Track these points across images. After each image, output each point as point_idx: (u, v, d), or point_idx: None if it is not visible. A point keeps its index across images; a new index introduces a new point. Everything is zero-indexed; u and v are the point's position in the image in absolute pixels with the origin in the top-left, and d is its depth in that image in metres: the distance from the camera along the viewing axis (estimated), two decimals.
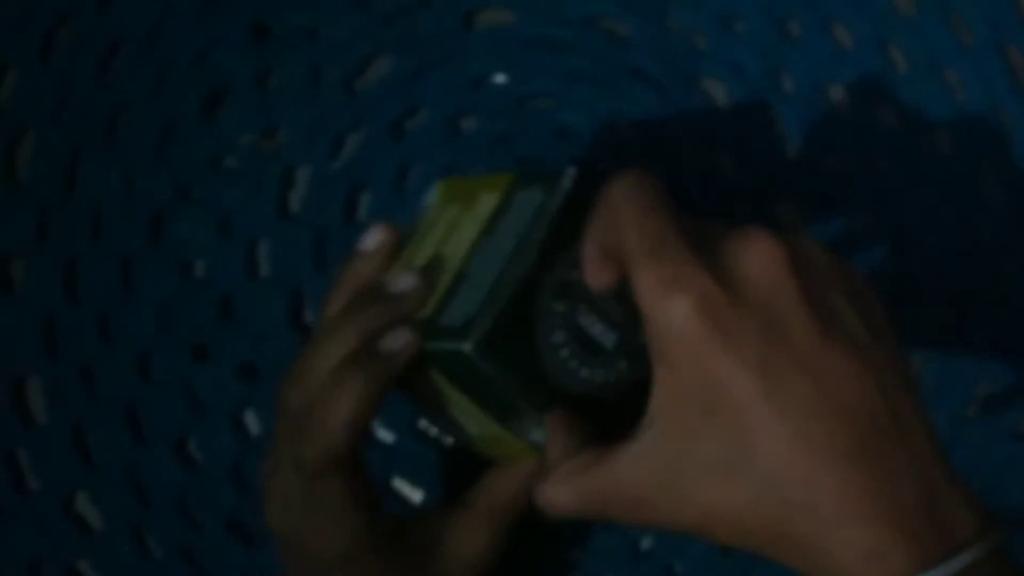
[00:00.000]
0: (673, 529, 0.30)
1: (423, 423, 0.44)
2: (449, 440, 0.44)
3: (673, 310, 0.28)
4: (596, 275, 0.31)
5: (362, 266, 0.37)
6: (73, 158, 0.46)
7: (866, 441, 0.28)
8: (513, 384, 0.33)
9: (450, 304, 0.34)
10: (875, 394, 0.28)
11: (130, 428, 0.45)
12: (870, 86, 0.46)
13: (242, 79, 0.46)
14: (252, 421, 0.45)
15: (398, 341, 0.33)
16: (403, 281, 0.35)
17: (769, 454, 0.28)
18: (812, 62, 0.46)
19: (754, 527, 0.29)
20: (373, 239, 0.37)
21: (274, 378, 0.44)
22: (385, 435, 0.45)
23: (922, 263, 0.46)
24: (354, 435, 0.33)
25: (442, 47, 0.46)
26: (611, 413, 0.33)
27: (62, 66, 0.46)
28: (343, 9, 0.46)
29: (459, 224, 0.37)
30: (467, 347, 0.32)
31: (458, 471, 0.45)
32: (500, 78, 0.46)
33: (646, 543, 0.45)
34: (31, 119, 0.46)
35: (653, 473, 0.29)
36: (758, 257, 0.29)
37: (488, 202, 0.36)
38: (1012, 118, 0.46)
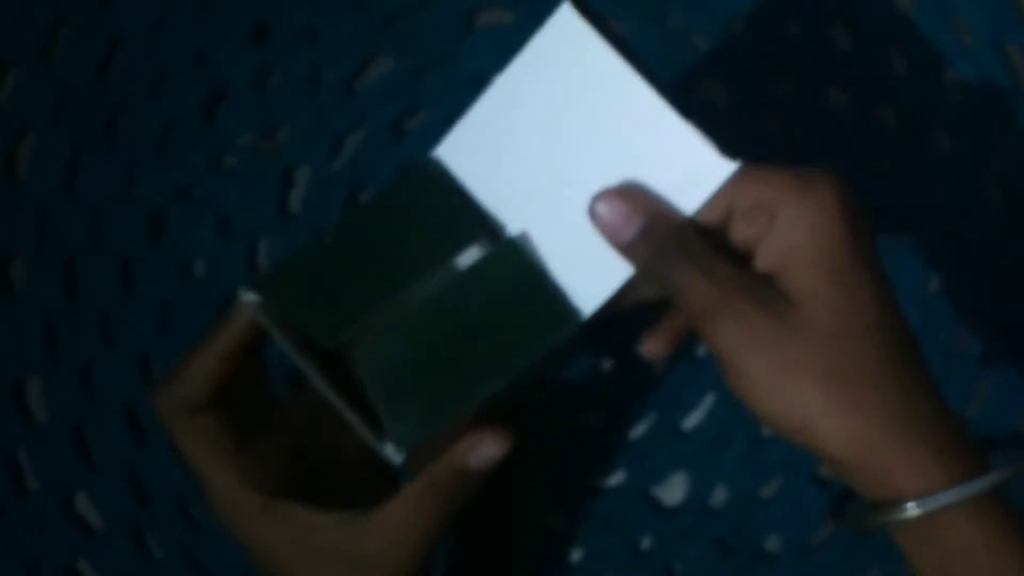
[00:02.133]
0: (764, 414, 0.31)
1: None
2: None
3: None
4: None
5: None
6: (73, 158, 0.46)
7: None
8: None
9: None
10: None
11: (130, 428, 0.45)
12: (869, 86, 0.46)
13: (242, 79, 0.46)
14: None
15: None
16: None
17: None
18: (811, 63, 0.46)
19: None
20: None
21: (273, 378, 0.44)
22: None
23: (922, 263, 0.46)
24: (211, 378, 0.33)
25: (442, 47, 0.46)
26: None
27: (62, 66, 0.46)
28: (343, 9, 0.46)
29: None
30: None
31: None
32: None
33: (646, 543, 0.45)
34: (31, 119, 0.46)
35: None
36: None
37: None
38: (1012, 118, 0.46)
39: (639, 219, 0.31)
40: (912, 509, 0.29)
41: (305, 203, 0.46)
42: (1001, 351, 0.46)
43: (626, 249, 0.32)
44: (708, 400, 0.46)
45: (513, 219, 0.34)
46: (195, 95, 0.46)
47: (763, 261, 0.31)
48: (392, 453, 0.32)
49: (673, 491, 0.46)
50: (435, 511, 0.34)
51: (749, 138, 0.46)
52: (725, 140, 0.46)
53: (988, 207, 0.46)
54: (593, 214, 0.32)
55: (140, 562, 0.45)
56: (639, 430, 0.46)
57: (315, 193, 0.46)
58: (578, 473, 0.46)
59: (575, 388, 0.46)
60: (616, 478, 0.46)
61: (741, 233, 0.32)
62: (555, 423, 0.46)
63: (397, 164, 0.46)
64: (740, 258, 0.32)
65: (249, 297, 0.33)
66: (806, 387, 0.30)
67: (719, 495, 0.45)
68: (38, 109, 0.46)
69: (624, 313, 0.36)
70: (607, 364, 0.46)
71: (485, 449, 0.34)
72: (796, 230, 0.30)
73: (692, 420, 0.46)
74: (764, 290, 0.31)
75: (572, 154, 0.33)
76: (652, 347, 0.38)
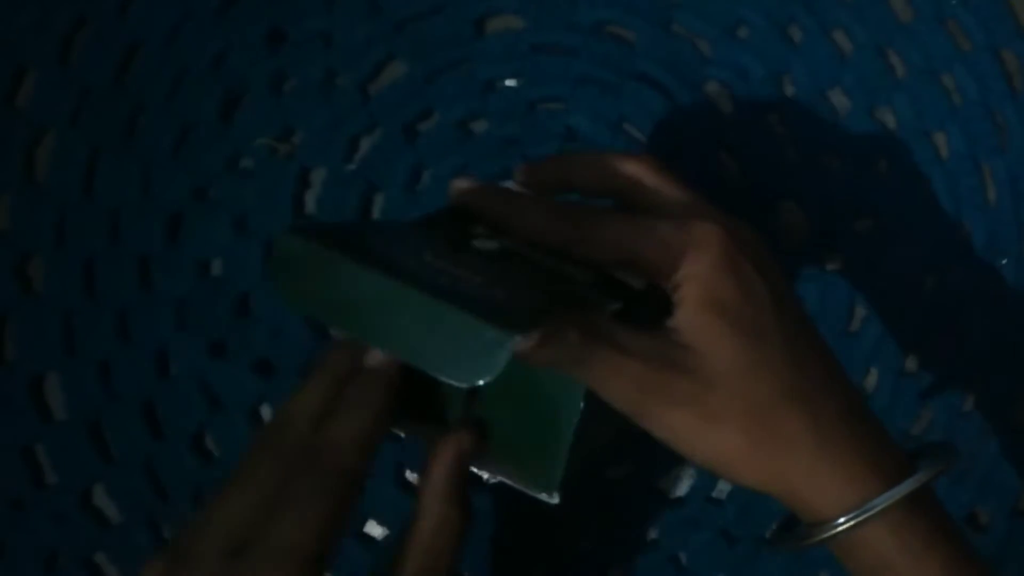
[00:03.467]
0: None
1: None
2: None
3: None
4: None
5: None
6: (92, 159, 0.46)
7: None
8: None
9: None
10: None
11: (147, 423, 0.46)
12: (870, 90, 0.47)
13: (258, 82, 0.47)
14: (268, 415, 0.46)
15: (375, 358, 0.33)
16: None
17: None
18: (813, 67, 0.47)
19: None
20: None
21: (290, 374, 0.45)
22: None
23: (921, 263, 0.47)
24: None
25: (454, 52, 0.47)
26: None
27: (81, 69, 0.46)
28: (358, 15, 0.47)
29: None
30: None
31: None
32: (510, 82, 0.47)
33: (652, 533, 0.46)
34: (50, 121, 0.46)
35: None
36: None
37: None
38: (1008, 121, 0.47)
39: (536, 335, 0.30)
40: (828, 529, 0.31)
41: (320, 203, 0.47)
42: (999, 350, 0.47)
43: (528, 354, 0.30)
44: None
45: None
46: (212, 98, 0.46)
47: (671, 322, 0.32)
48: (548, 497, 0.34)
49: (679, 483, 0.47)
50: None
51: (752, 140, 0.47)
52: (729, 142, 0.47)
53: (987, 208, 0.47)
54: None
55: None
56: None
57: (330, 194, 0.47)
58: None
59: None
60: (623, 469, 0.46)
61: (643, 275, 0.33)
62: None
63: (410, 165, 0.47)
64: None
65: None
66: (726, 433, 0.31)
67: (723, 486, 0.46)
68: (57, 111, 0.46)
69: None
70: None
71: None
72: (689, 288, 0.32)
73: None
74: (669, 346, 0.32)
75: None
76: None
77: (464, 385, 0.29)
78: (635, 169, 0.35)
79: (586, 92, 0.47)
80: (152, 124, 0.46)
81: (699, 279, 0.31)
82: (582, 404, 0.33)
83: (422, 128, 0.47)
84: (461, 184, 0.35)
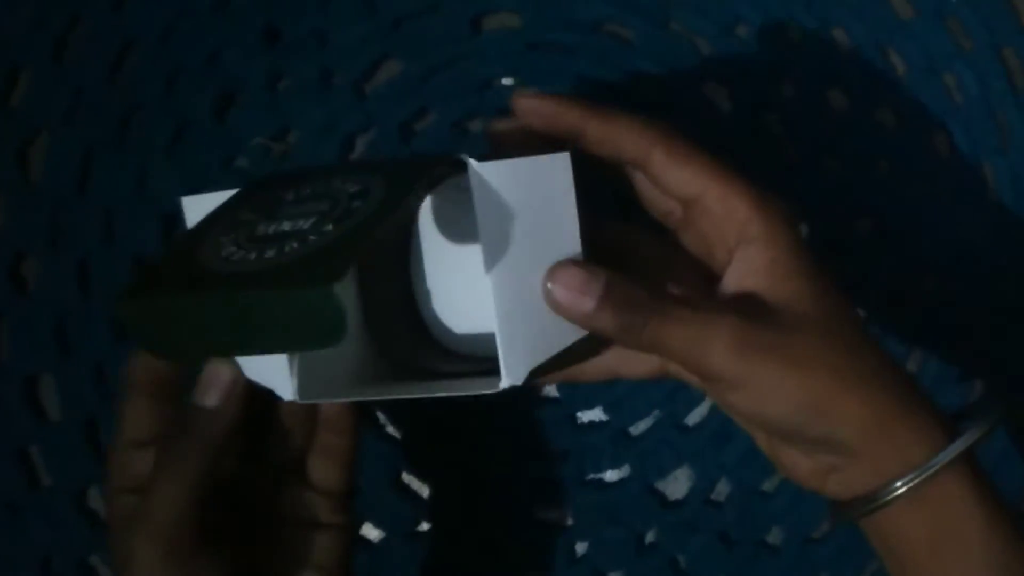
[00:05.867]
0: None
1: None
2: None
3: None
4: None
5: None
6: (86, 158, 0.46)
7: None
8: None
9: None
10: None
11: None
12: (870, 89, 0.47)
13: (254, 81, 0.46)
14: None
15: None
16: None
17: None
18: (813, 66, 0.47)
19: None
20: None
21: None
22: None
23: (921, 262, 0.47)
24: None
25: (450, 50, 0.47)
26: None
27: (75, 67, 0.46)
28: (353, 13, 0.47)
29: None
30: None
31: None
32: (507, 81, 0.47)
33: (651, 536, 0.46)
34: (44, 120, 0.46)
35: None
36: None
37: None
38: (1009, 119, 0.47)
39: (597, 284, 0.31)
40: (928, 469, 0.31)
41: None
42: (1000, 350, 0.47)
43: (590, 317, 0.31)
44: None
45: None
46: (207, 97, 0.46)
47: (739, 278, 0.33)
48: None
49: (677, 485, 0.46)
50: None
51: (750, 138, 0.47)
52: (728, 141, 0.47)
53: (987, 208, 0.47)
54: (548, 295, 0.31)
55: None
56: (643, 425, 0.46)
57: None
58: (584, 467, 0.46)
59: (580, 383, 0.47)
60: (621, 472, 0.46)
61: (702, 228, 0.33)
62: (561, 419, 0.47)
63: None
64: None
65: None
66: (821, 376, 0.31)
67: (722, 489, 0.46)
68: (51, 110, 0.46)
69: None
70: None
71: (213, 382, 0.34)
72: (771, 248, 0.32)
73: (695, 415, 0.47)
74: (746, 302, 0.32)
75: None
76: None
77: (329, 347, 0.27)
78: (662, 138, 0.33)
79: (583, 90, 0.47)
80: (147, 123, 0.46)
81: (773, 240, 0.32)
82: None
83: (418, 127, 0.47)
84: (526, 98, 0.33)
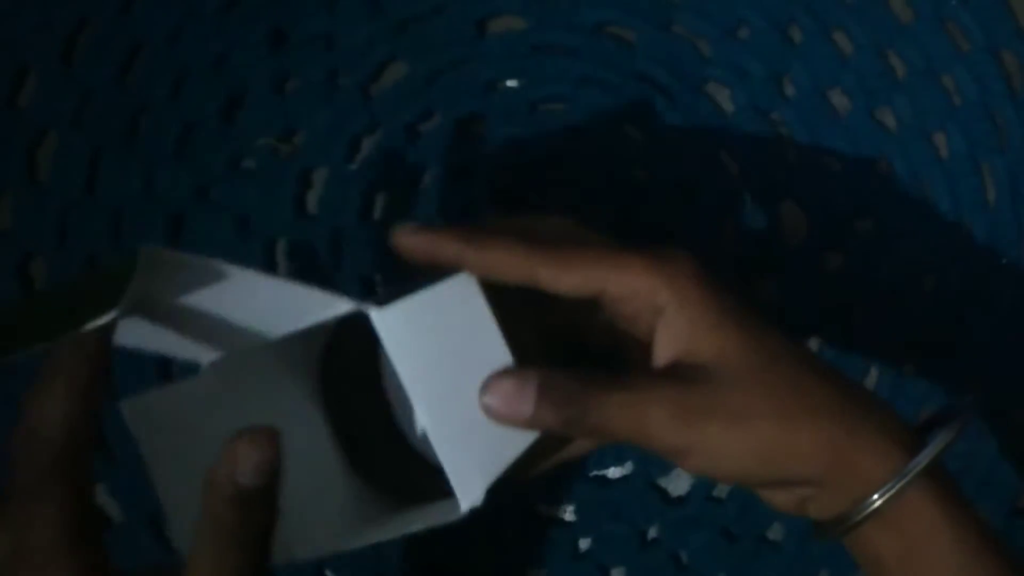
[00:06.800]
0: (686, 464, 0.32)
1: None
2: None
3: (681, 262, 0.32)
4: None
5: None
6: (94, 159, 0.46)
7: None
8: None
9: None
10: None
11: None
12: (870, 90, 0.47)
13: (261, 83, 0.47)
14: None
15: None
16: None
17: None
18: (813, 67, 0.47)
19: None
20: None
21: None
22: None
23: (921, 263, 0.47)
24: None
25: (455, 52, 0.47)
26: None
27: (83, 69, 0.46)
28: (359, 15, 0.47)
29: None
30: None
31: None
32: (512, 83, 0.47)
33: (653, 532, 0.46)
34: (52, 121, 0.46)
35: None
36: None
37: None
38: (1007, 121, 0.47)
39: (531, 387, 0.31)
40: (889, 489, 0.31)
41: (322, 203, 0.47)
42: (999, 350, 0.47)
43: (532, 420, 0.31)
44: None
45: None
46: (215, 98, 0.47)
47: (665, 347, 0.32)
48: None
49: (679, 481, 0.47)
50: (233, 553, 0.28)
51: (751, 139, 0.47)
52: (729, 142, 0.47)
53: (986, 209, 0.47)
54: (487, 410, 0.31)
55: (160, 554, 0.45)
56: None
57: (332, 194, 0.47)
58: (587, 464, 0.47)
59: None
60: (624, 469, 0.47)
61: (620, 311, 0.33)
62: None
63: (412, 166, 0.47)
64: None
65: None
66: (765, 427, 0.31)
67: (723, 486, 0.47)
68: (59, 111, 0.46)
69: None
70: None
71: (246, 457, 0.27)
72: (685, 310, 0.31)
73: None
74: (678, 369, 0.32)
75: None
76: None
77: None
78: (550, 226, 0.34)
79: (587, 92, 0.47)
80: (154, 124, 0.47)
81: (684, 301, 0.31)
82: None
83: (424, 128, 0.47)
84: (406, 232, 0.32)
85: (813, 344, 0.47)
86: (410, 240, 0.32)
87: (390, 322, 0.28)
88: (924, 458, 0.31)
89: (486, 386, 0.31)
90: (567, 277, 0.32)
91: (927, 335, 0.47)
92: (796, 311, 0.47)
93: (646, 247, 0.32)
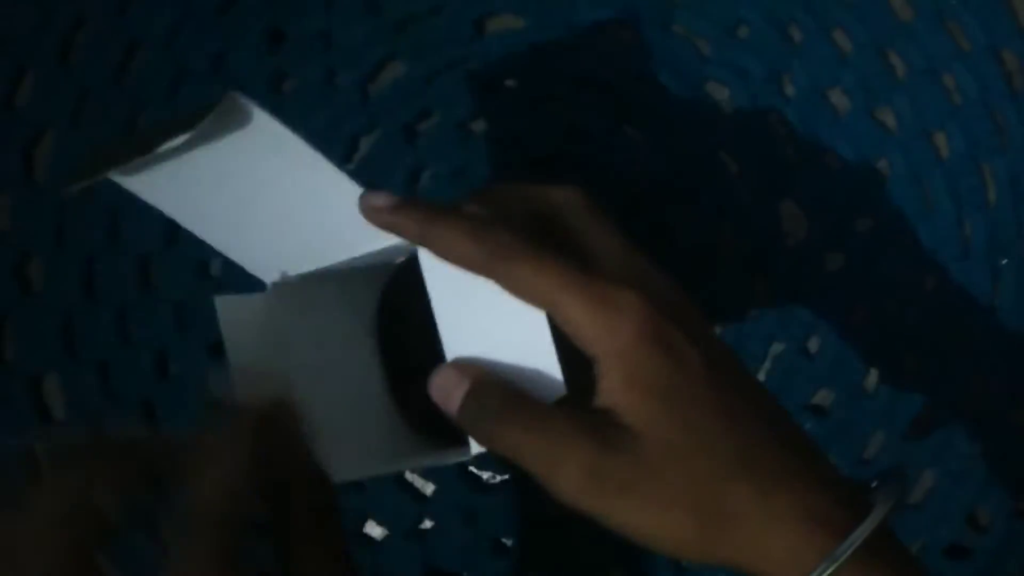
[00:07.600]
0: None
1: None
2: None
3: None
4: None
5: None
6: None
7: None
8: None
9: None
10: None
11: (146, 423, 0.46)
12: (870, 90, 0.47)
13: (258, 82, 0.47)
14: None
15: None
16: None
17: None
18: (813, 67, 0.47)
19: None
20: None
21: None
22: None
23: (921, 263, 0.47)
24: None
25: (453, 52, 0.47)
26: None
27: (80, 68, 0.46)
28: (357, 15, 0.47)
29: None
30: None
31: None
32: (510, 82, 0.47)
33: None
34: (49, 120, 0.46)
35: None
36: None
37: None
38: (1008, 120, 0.47)
39: (462, 389, 0.30)
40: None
41: None
42: (999, 350, 0.47)
43: (456, 419, 0.31)
44: None
45: None
46: (212, 98, 0.46)
47: (602, 393, 0.30)
48: None
49: None
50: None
51: (752, 140, 0.47)
52: (729, 141, 0.47)
53: (986, 208, 0.47)
54: (430, 385, 0.31)
55: (157, 555, 0.45)
56: None
57: None
58: None
59: None
60: None
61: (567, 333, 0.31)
62: None
63: (410, 165, 0.47)
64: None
65: None
66: (677, 516, 0.29)
67: None
68: (57, 111, 0.46)
69: None
70: None
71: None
72: (625, 364, 0.29)
73: None
74: (606, 423, 0.30)
75: None
76: None
77: None
78: (561, 200, 0.32)
79: (586, 91, 0.47)
80: (152, 123, 0.46)
81: (623, 356, 0.29)
82: None
83: (422, 128, 0.47)
84: (376, 200, 0.31)
85: (813, 344, 0.47)
86: (372, 214, 0.31)
87: (435, 259, 0.31)
88: (858, 537, 0.29)
89: (437, 369, 0.31)
90: (517, 291, 0.30)
91: (927, 335, 0.47)
92: (796, 311, 0.47)
93: (606, 282, 0.30)
